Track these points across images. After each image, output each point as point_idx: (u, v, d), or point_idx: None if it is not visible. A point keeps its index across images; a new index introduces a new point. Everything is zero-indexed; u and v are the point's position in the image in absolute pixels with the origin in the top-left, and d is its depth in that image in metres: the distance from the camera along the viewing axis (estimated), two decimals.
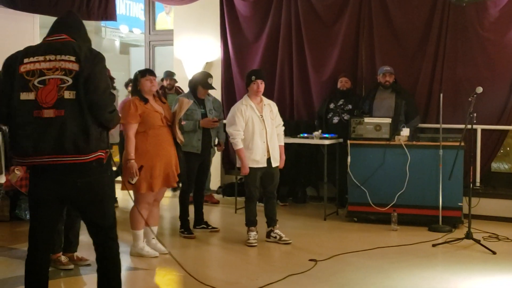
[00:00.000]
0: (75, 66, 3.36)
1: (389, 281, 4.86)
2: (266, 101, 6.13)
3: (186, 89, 7.41)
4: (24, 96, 3.33)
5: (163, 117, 5.45)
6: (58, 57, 3.38)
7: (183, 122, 5.81)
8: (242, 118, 5.93)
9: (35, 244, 3.53)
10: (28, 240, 3.54)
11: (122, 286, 3.65)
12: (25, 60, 3.39)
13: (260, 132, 5.95)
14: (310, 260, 5.36)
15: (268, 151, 5.98)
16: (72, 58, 3.38)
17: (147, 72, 5.55)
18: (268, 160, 5.99)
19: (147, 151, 5.33)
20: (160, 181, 5.40)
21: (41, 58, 3.39)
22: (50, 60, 3.38)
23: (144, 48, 10.76)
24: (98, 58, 3.45)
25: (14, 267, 5.05)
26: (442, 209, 6.65)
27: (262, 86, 6.00)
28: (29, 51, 3.45)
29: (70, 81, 3.34)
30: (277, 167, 6.11)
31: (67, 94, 3.33)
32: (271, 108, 6.11)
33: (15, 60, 3.42)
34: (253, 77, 6.02)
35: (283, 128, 6.30)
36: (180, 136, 5.53)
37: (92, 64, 3.39)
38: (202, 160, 6.45)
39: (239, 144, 5.93)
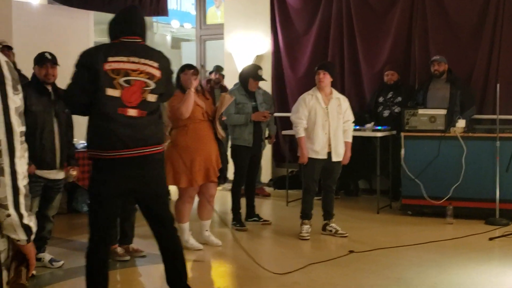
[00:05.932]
0: (157, 73, 3.62)
1: (444, 275, 4.77)
2: (336, 94, 6.07)
3: (232, 85, 7.41)
4: (110, 92, 3.49)
5: (204, 112, 5.48)
6: (142, 60, 3.58)
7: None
8: (305, 107, 5.92)
9: (100, 237, 3.63)
10: (91, 233, 3.62)
11: None
12: (110, 59, 3.51)
13: (323, 124, 5.90)
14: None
15: (329, 145, 5.94)
16: (155, 65, 3.62)
17: (186, 67, 5.58)
18: (329, 154, 5.93)
19: (187, 146, 5.33)
20: (201, 176, 5.38)
21: (124, 59, 3.54)
22: (133, 62, 3.56)
23: (195, 42, 10.85)
24: (171, 70, 3.83)
25: (73, 258, 5.18)
26: (499, 202, 6.49)
27: (325, 77, 5.92)
28: (111, 50, 3.57)
29: (153, 85, 3.60)
30: (339, 162, 6.04)
31: (150, 97, 3.59)
32: (339, 102, 6.01)
33: (95, 57, 3.53)
34: (316, 68, 6.05)
35: (353, 124, 6.19)
36: (221, 132, 5.52)
37: (169, 79, 3.81)
38: (254, 153, 6.47)
39: (300, 133, 5.93)
